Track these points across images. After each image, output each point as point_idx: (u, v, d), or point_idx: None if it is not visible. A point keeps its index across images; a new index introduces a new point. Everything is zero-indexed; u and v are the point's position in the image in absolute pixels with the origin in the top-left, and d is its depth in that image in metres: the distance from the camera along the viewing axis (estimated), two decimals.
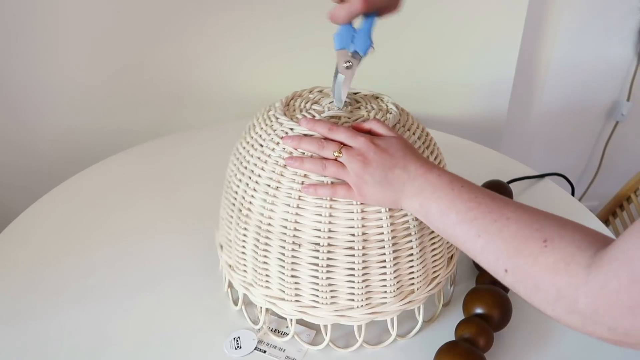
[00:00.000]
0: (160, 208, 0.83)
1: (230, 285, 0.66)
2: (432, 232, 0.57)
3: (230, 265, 0.63)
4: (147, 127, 1.12)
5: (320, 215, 0.53)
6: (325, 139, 0.53)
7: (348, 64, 0.55)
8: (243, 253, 0.59)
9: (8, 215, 0.84)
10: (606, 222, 1.12)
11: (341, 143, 0.52)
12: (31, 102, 1.06)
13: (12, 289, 0.69)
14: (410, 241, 0.56)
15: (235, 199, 0.58)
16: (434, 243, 0.58)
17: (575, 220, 0.43)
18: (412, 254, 0.56)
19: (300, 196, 0.53)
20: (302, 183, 0.53)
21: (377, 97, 0.63)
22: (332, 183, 0.52)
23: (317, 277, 0.55)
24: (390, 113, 0.59)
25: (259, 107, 0.62)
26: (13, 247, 0.76)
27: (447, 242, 0.61)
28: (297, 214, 0.53)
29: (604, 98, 1.38)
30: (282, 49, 1.08)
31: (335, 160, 0.52)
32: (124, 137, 1.09)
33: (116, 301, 0.67)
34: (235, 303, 0.64)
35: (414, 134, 0.58)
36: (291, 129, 0.55)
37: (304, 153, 0.54)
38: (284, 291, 0.57)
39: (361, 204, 0.53)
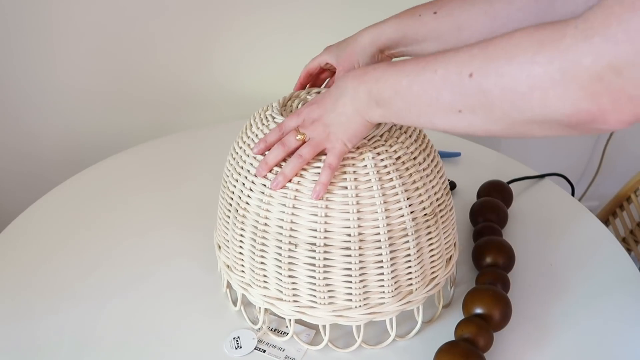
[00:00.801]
0: (159, 208, 0.83)
1: (228, 285, 0.66)
2: (430, 232, 0.57)
3: (228, 266, 0.63)
4: (146, 127, 1.12)
5: (316, 215, 0.52)
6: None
7: None
8: (240, 253, 0.59)
9: (8, 215, 0.84)
10: (606, 222, 1.12)
11: (296, 130, 0.53)
12: (30, 103, 1.06)
13: (11, 288, 0.69)
14: (407, 241, 0.55)
15: (232, 199, 0.58)
16: (431, 244, 0.58)
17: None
18: (409, 254, 0.56)
19: (296, 196, 0.53)
20: (298, 183, 0.53)
21: None
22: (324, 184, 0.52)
23: (314, 278, 0.54)
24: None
25: (258, 108, 0.62)
26: (13, 247, 0.76)
27: (446, 243, 0.60)
28: (293, 214, 0.53)
29: None
30: (283, 49, 1.08)
31: (304, 142, 0.53)
32: (123, 138, 1.09)
33: (115, 301, 0.67)
34: (235, 303, 0.64)
35: (410, 136, 0.57)
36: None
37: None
38: (281, 291, 0.57)
39: (357, 203, 0.52)
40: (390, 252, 0.54)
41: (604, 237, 0.75)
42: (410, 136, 0.57)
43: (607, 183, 1.46)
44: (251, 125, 0.59)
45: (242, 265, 0.60)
